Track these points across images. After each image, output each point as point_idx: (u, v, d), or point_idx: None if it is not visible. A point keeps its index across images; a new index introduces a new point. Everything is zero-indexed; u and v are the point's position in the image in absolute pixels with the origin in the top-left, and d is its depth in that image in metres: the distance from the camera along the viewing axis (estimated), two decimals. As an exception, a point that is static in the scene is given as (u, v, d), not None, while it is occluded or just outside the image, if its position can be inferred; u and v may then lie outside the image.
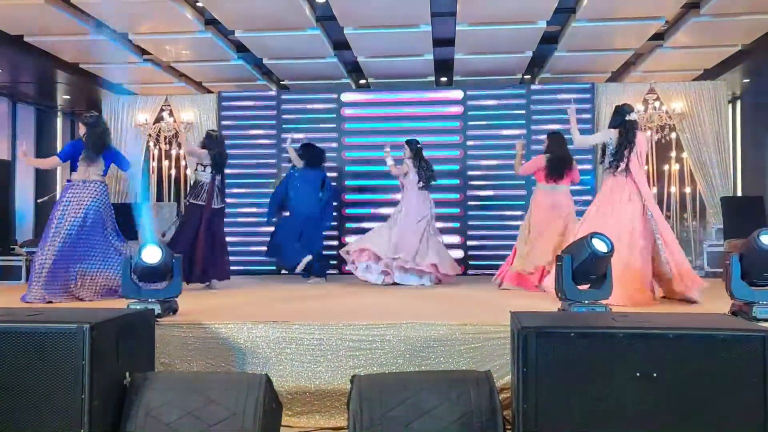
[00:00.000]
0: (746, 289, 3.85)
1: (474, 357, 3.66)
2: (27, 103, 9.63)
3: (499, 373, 3.51)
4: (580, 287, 4.01)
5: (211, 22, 7.09)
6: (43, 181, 9.93)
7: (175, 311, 4.10)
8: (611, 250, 3.93)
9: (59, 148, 10.20)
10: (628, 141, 5.08)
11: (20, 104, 9.55)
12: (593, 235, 3.98)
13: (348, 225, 8.45)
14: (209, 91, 9.32)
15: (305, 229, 6.93)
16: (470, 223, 8.34)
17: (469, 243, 8.28)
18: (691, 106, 8.31)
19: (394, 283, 6.49)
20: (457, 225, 8.30)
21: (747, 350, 2.60)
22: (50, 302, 4.99)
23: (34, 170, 9.77)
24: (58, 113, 10.18)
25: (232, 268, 6.60)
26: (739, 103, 9.21)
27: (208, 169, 6.30)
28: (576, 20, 6.79)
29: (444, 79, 9.19)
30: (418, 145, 6.91)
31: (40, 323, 2.84)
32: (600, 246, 3.91)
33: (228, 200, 6.93)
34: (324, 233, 7.36)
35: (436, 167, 7.03)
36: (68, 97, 9.41)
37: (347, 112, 8.67)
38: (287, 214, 7.14)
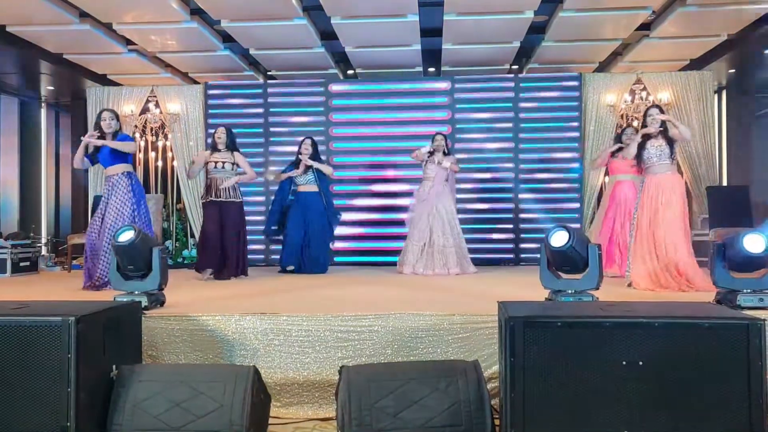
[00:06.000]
0: (730, 277, 3.90)
1: (462, 347, 3.67)
2: (10, 94, 9.51)
3: (487, 362, 3.52)
4: (566, 276, 4.03)
5: (196, 12, 7.02)
6: (28, 174, 9.84)
7: (162, 303, 4.07)
8: (566, 245, 3.89)
9: (43, 140, 10.10)
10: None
11: (3, 95, 9.43)
12: (556, 228, 3.99)
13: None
14: (196, 82, 9.25)
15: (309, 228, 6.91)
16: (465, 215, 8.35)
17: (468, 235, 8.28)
18: (678, 96, 8.35)
19: None
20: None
21: (732, 338, 2.63)
22: None
23: (18, 162, 9.67)
24: (42, 104, 10.07)
25: None
26: (724, 93, 9.27)
27: None
28: (563, 10, 6.80)
29: (432, 69, 9.18)
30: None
31: (25, 316, 2.81)
32: (555, 242, 3.92)
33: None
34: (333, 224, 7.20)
35: (423, 158, 7.10)
36: (52, 88, 9.30)
37: (335, 102, 8.65)
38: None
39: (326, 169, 7.10)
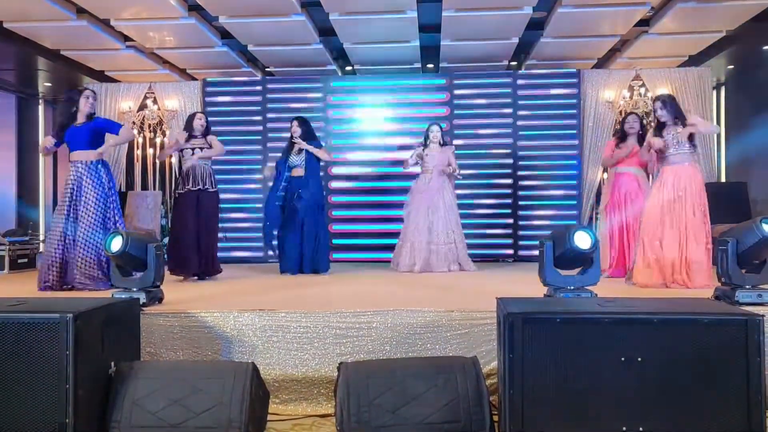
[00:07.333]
0: (741, 274, 3.88)
1: (460, 343, 3.67)
2: (7, 90, 9.49)
3: (485, 359, 3.52)
4: (565, 272, 4.03)
5: (194, 8, 6.99)
6: (26, 170, 9.81)
7: (160, 300, 4.07)
8: (592, 246, 3.87)
9: (41, 136, 10.06)
10: None
11: (1, 92, 9.40)
12: (578, 229, 3.96)
13: (335, 213, 8.44)
14: (194, 78, 9.23)
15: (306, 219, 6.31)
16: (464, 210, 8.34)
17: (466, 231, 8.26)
18: (676, 92, 8.32)
19: None
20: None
21: (730, 334, 2.63)
22: None
23: (15, 159, 9.64)
24: (40, 101, 10.03)
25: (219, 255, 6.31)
26: (723, 90, 9.26)
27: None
28: (562, 6, 6.78)
29: (430, 65, 9.16)
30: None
31: (22, 313, 2.81)
32: (581, 243, 3.90)
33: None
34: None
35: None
36: (50, 84, 9.27)
37: (333, 99, 8.63)
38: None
39: (321, 155, 6.49)
